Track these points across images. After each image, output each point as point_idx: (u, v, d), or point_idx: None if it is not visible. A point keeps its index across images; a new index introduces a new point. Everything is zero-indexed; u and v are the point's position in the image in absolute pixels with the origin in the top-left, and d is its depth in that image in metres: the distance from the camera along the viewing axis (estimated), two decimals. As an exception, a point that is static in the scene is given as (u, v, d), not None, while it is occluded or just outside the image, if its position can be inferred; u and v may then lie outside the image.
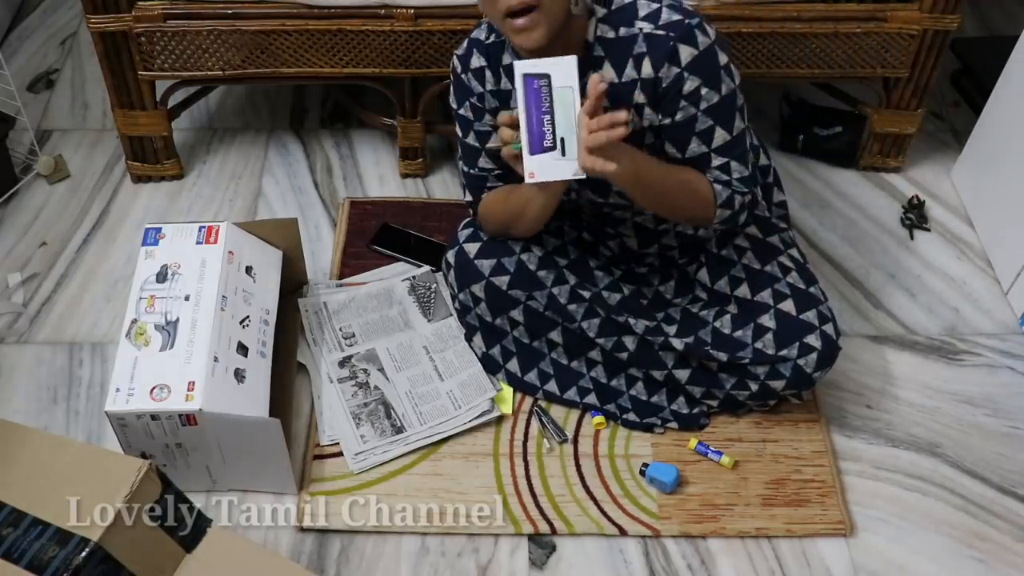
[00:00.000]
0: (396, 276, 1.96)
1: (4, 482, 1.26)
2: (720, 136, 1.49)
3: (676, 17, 1.44)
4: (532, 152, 1.41)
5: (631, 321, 1.68)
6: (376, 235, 2.05)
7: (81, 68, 2.47)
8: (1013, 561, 1.61)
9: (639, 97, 1.49)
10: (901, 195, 2.20)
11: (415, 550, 1.60)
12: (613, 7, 1.47)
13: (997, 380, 1.86)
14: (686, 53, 1.44)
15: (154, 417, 1.50)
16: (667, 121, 1.49)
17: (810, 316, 1.62)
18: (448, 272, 1.78)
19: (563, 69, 1.38)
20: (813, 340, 1.61)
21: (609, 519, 1.63)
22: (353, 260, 2.01)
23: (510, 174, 1.58)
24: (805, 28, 1.95)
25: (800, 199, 2.16)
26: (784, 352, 1.61)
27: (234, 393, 1.55)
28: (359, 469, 1.67)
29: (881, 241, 2.11)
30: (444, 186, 2.20)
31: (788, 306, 1.63)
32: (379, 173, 2.22)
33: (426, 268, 1.96)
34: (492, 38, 1.55)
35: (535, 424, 1.75)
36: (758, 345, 1.62)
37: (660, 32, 1.44)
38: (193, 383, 1.51)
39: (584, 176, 1.40)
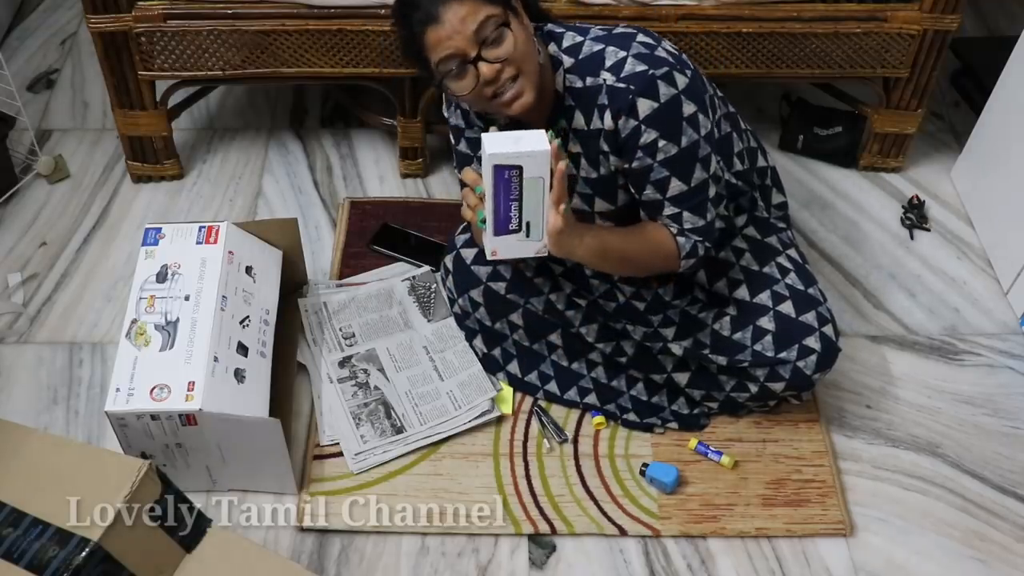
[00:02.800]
0: (396, 276, 1.96)
1: (4, 482, 1.26)
2: (676, 187, 1.47)
3: (640, 68, 1.42)
4: (496, 233, 1.41)
5: (629, 327, 1.68)
6: (376, 235, 2.05)
7: (81, 68, 2.47)
8: (1013, 561, 1.61)
9: (603, 146, 1.49)
10: (901, 195, 2.20)
11: (415, 550, 1.60)
12: (580, 56, 1.46)
13: (997, 380, 1.86)
14: (644, 106, 1.42)
15: (154, 417, 1.50)
16: (626, 166, 1.49)
17: (809, 318, 1.62)
18: (446, 277, 1.78)
19: (536, 161, 1.34)
20: (812, 342, 1.61)
21: (609, 519, 1.63)
22: (353, 260, 2.01)
23: None
24: (805, 28, 1.95)
25: (800, 199, 2.16)
26: (783, 354, 1.61)
27: (234, 393, 1.55)
28: (359, 469, 1.67)
29: (881, 241, 2.11)
30: (444, 186, 2.20)
31: (787, 308, 1.63)
32: (379, 173, 2.22)
33: (426, 268, 1.96)
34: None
35: (535, 424, 1.75)
36: (757, 347, 1.62)
37: (621, 85, 1.42)
38: (193, 383, 1.51)
39: (547, 253, 1.42)
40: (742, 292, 1.67)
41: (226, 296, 1.64)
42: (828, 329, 1.62)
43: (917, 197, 2.16)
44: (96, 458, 1.34)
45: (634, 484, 1.67)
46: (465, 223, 1.75)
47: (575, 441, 1.73)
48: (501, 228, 1.40)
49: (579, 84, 1.46)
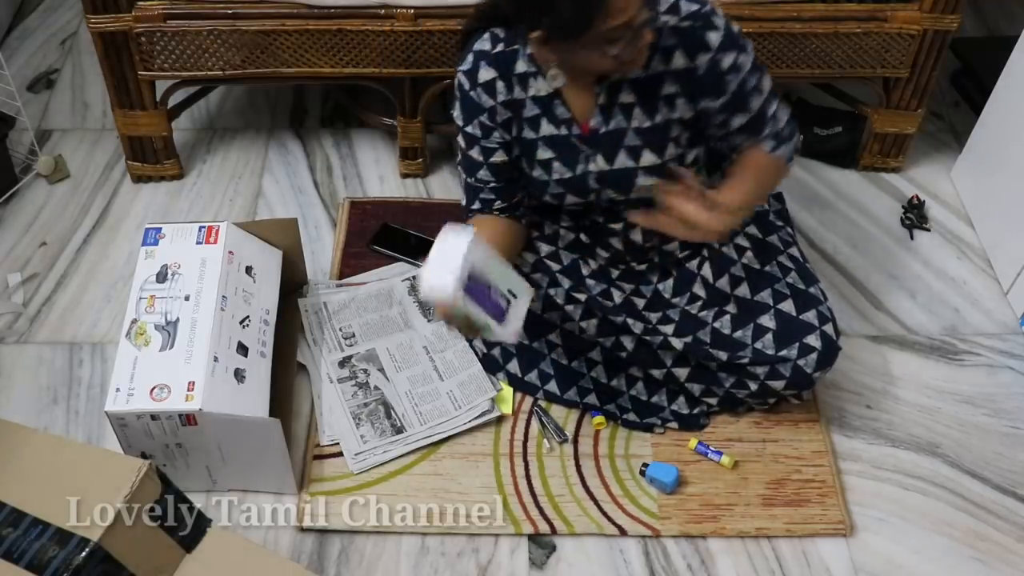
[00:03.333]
0: (396, 276, 1.96)
1: (4, 482, 1.26)
2: (767, 86, 1.53)
3: (693, 7, 1.47)
4: (500, 323, 1.44)
5: (629, 322, 1.68)
6: (376, 235, 2.05)
7: (81, 68, 2.47)
8: (1013, 561, 1.61)
9: (669, 88, 1.50)
10: (901, 195, 2.19)
11: (415, 550, 1.60)
12: None
13: (997, 380, 1.86)
14: (714, 37, 1.47)
15: (154, 417, 1.50)
16: (719, 101, 1.50)
17: (810, 316, 1.62)
18: None
19: (474, 250, 1.37)
20: (813, 340, 1.61)
21: (609, 519, 1.63)
22: (353, 260, 2.01)
23: (508, 186, 1.60)
24: (805, 28, 1.95)
25: (800, 199, 2.16)
26: (784, 352, 1.61)
27: (234, 393, 1.55)
28: (359, 469, 1.67)
29: (881, 241, 2.11)
30: (444, 186, 2.20)
31: (788, 306, 1.63)
32: (379, 173, 2.22)
33: (425, 268, 1.96)
34: (500, 47, 1.52)
35: (535, 424, 1.75)
36: (758, 345, 1.62)
37: (686, 24, 1.46)
38: (193, 383, 1.51)
39: (530, 300, 1.49)
40: (743, 290, 1.67)
41: (226, 296, 1.64)
42: (829, 328, 1.62)
43: (917, 197, 2.16)
44: (96, 458, 1.34)
45: (634, 484, 1.67)
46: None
47: (575, 441, 1.73)
48: (500, 317, 1.44)
49: None
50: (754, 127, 1.54)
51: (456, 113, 1.58)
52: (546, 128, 1.54)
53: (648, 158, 1.54)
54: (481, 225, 1.57)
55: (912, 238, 2.12)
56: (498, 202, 1.61)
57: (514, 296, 1.47)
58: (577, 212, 1.72)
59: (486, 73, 1.53)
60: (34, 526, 1.22)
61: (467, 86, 1.54)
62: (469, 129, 1.57)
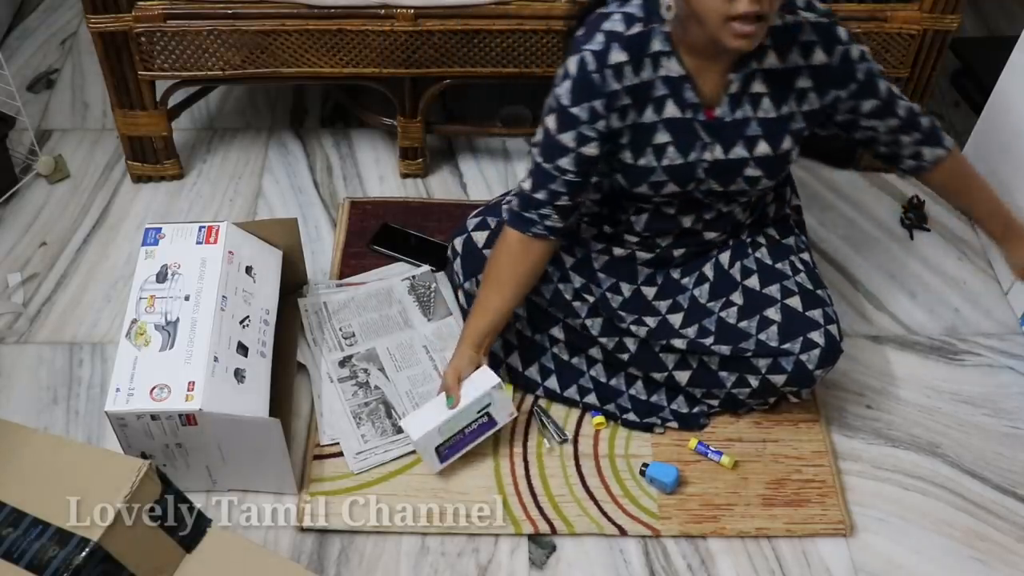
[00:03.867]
0: (396, 276, 1.96)
1: (4, 482, 1.26)
2: (891, 86, 1.59)
3: (822, 6, 1.52)
4: (488, 430, 1.67)
5: (633, 328, 1.68)
6: (376, 235, 2.05)
7: (81, 68, 2.47)
8: (1013, 561, 1.61)
9: (802, 83, 1.52)
10: (901, 195, 2.20)
11: (415, 550, 1.60)
12: None
13: (997, 380, 1.86)
14: (843, 32, 1.52)
15: (154, 417, 1.50)
16: (849, 88, 1.54)
17: (815, 314, 1.62)
18: (454, 260, 1.76)
19: (496, 399, 1.64)
20: (817, 337, 1.61)
21: (609, 519, 1.63)
22: (353, 260, 2.01)
23: (582, 183, 1.54)
24: (805, 28, 1.95)
25: (800, 199, 2.15)
26: (787, 345, 1.61)
27: (234, 393, 1.55)
28: (360, 469, 1.67)
29: (881, 241, 2.11)
30: (444, 186, 2.20)
31: (795, 302, 1.64)
32: (379, 173, 2.22)
33: (426, 268, 1.96)
34: (636, 28, 1.46)
35: (535, 424, 1.75)
36: (762, 336, 1.62)
37: (824, 20, 1.50)
38: (193, 383, 1.51)
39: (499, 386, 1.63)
40: (752, 281, 1.67)
41: (226, 296, 1.64)
42: (833, 328, 1.62)
43: (917, 197, 2.16)
44: (96, 458, 1.34)
45: (634, 484, 1.67)
46: (480, 208, 1.75)
47: (575, 441, 1.73)
48: (482, 432, 1.67)
49: (779, 22, 1.46)
50: (886, 111, 1.58)
51: (561, 91, 1.49)
52: (670, 110, 1.51)
53: (762, 148, 1.54)
54: (511, 254, 1.59)
55: (912, 238, 2.12)
56: (565, 198, 1.54)
57: (490, 403, 1.63)
58: (652, 210, 1.67)
59: (617, 55, 1.45)
60: (34, 526, 1.22)
61: (592, 67, 1.46)
62: (574, 110, 1.48)
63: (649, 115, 1.51)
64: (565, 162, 1.51)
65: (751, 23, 1.34)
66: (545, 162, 1.53)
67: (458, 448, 1.64)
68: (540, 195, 1.54)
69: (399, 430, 1.71)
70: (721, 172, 1.56)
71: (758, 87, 1.51)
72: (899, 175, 1.74)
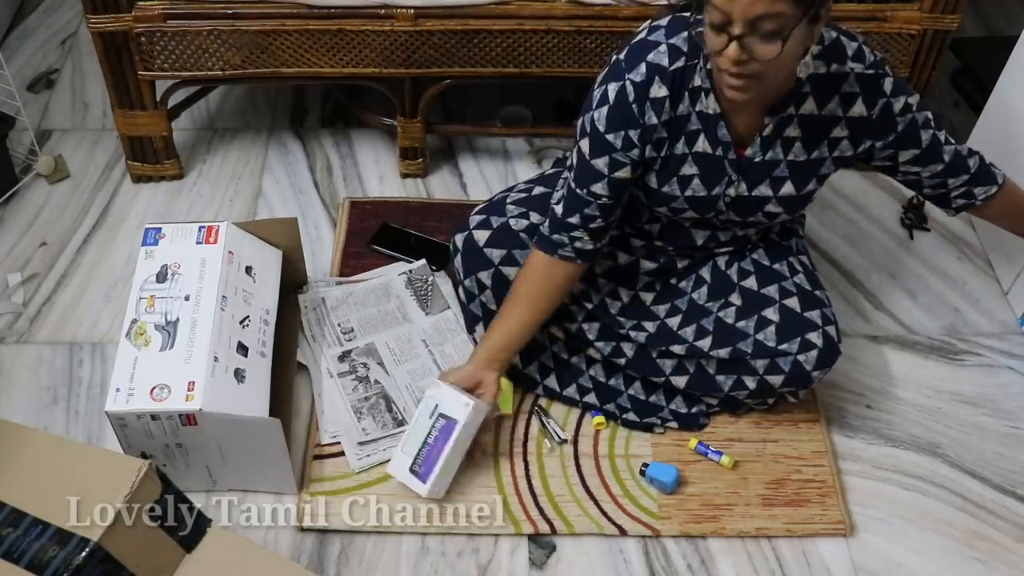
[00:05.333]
0: (393, 272, 1.96)
1: (4, 482, 1.26)
2: (931, 119, 1.56)
3: (872, 56, 1.48)
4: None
5: (632, 333, 1.68)
6: (376, 235, 2.05)
7: (81, 68, 2.47)
8: (1013, 561, 1.61)
9: (838, 132, 1.51)
10: (901, 195, 2.20)
11: (415, 550, 1.60)
12: (825, 43, 1.46)
13: (997, 380, 1.86)
14: (888, 84, 1.50)
15: (154, 417, 1.50)
16: (885, 140, 1.53)
17: (814, 315, 1.62)
18: (454, 256, 1.76)
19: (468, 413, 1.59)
20: (815, 337, 1.61)
21: (609, 519, 1.63)
22: (353, 260, 2.01)
23: (615, 204, 1.54)
24: (805, 28, 1.95)
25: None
26: (785, 346, 1.61)
27: (234, 393, 1.55)
28: (360, 468, 1.67)
29: (881, 241, 2.11)
30: (444, 186, 2.20)
31: (793, 303, 1.64)
32: (379, 173, 2.22)
33: (422, 261, 1.96)
34: (680, 63, 1.44)
35: (535, 424, 1.75)
36: (760, 336, 1.62)
37: (870, 72, 1.47)
38: (193, 383, 1.51)
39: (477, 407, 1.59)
40: (750, 282, 1.67)
41: (226, 296, 1.64)
42: (831, 329, 1.62)
43: (917, 197, 2.16)
44: (96, 458, 1.34)
45: (634, 484, 1.67)
46: (483, 205, 1.74)
47: (575, 441, 1.73)
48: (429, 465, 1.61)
49: (823, 70, 1.46)
50: (927, 159, 1.57)
51: (595, 116, 1.48)
52: (701, 145, 1.50)
53: (787, 189, 1.54)
54: (534, 274, 1.59)
55: (912, 238, 2.12)
56: (599, 220, 1.54)
57: (437, 404, 1.60)
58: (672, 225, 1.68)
59: (658, 90, 1.45)
60: (34, 526, 1.22)
61: (631, 97, 1.45)
62: (609, 137, 1.48)
63: (680, 147, 1.51)
64: (598, 187, 1.51)
65: (737, 78, 1.35)
66: (579, 188, 1.53)
67: (432, 460, 1.58)
68: (573, 219, 1.55)
69: (399, 423, 1.71)
70: (742, 206, 1.56)
71: (792, 131, 1.50)
72: (949, 214, 1.72)
